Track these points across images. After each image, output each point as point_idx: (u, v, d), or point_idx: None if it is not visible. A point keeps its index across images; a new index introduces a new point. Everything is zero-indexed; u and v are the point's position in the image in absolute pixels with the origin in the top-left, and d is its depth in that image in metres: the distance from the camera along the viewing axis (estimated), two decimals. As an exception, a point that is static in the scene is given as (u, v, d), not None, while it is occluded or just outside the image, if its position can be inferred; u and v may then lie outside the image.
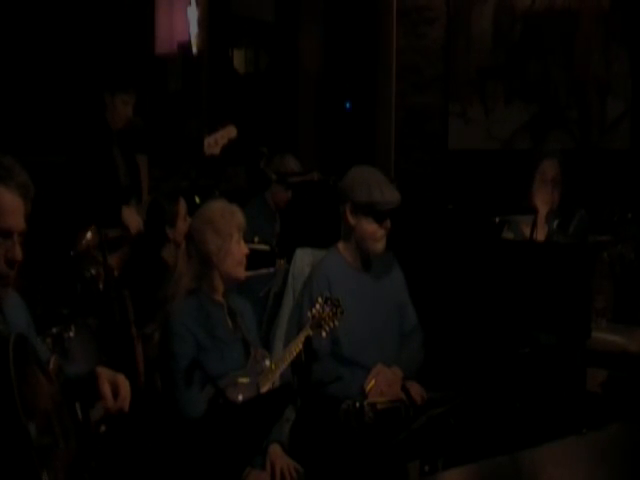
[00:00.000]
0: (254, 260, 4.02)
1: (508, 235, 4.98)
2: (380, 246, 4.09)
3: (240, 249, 3.75)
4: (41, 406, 2.49)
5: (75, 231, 5.23)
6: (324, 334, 3.79)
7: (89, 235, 5.08)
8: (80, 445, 2.61)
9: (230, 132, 5.35)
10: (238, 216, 3.77)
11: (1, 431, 2.33)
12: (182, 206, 5.03)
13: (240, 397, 3.55)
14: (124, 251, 5.15)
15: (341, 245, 4.20)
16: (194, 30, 9.32)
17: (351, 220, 4.08)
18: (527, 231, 4.87)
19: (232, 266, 3.73)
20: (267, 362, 3.78)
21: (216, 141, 5.30)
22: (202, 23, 9.25)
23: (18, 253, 2.56)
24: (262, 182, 6.29)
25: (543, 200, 4.94)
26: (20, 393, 2.37)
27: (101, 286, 4.76)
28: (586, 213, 5.21)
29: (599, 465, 2.33)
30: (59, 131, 8.95)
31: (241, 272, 3.78)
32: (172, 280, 3.76)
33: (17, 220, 2.56)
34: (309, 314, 3.80)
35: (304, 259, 4.51)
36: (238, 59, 9.23)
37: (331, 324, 3.78)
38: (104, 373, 2.75)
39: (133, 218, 5.29)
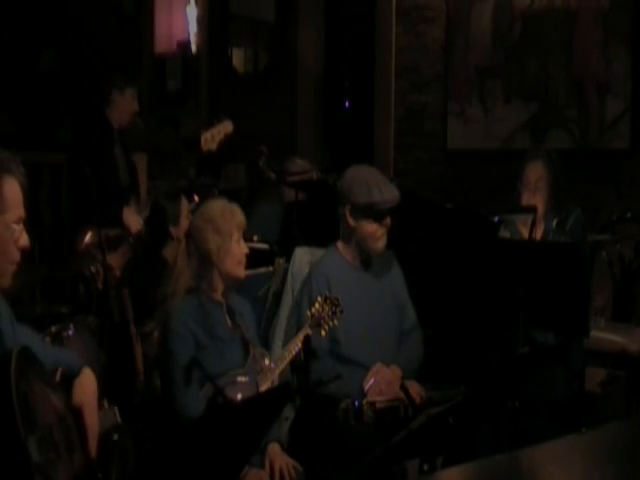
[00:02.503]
0: (253, 259, 4.03)
1: (505, 234, 4.97)
2: (381, 244, 4.09)
3: (240, 248, 3.75)
4: (44, 419, 2.50)
5: (76, 230, 5.24)
6: (323, 333, 3.79)
7: (89, 234, 5.08)
8: (86, 455, 2.63)
9: (226, 127, 5.35)
10: (238, 215, 3.77)
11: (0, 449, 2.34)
12: (184, 204, 5.04)
13: (239, 396, 3.56)
14: (125, 250, 5.16)
15: (340, 244, 4.20)
16: (193, 29, 9.33)
17: (351, 221, 4.08)
18: (524, 230, 4.87)
19: (232, 265, 3.73)
20: (266, 361, 3.78)
21: (212, 136, 5.30)
22: (201, 22, 9.26)
23: (27, 240, 2.66)
24: (261, 181, 6.28)
25: (526, 203, 4.93)
26: (21, 407, 2.38)
27: (100, 285, 4.76)
28: (582, 212, 5.20)
29: (598, 464, 2.33)
30: (59, 130, 8.97)
31: (241, 271, 3.78)
32: (172, 278, 3.77)
33: (22, 209, 2.66)
34: (308, 313, 3.80)
35: (303, 258, 4.51)
36: (237, 58, 9.23)
37: (330, 323, 3.78)
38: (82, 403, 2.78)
39: (133, 218, 5.30)
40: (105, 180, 5.42)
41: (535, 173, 4.97)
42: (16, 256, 2.65)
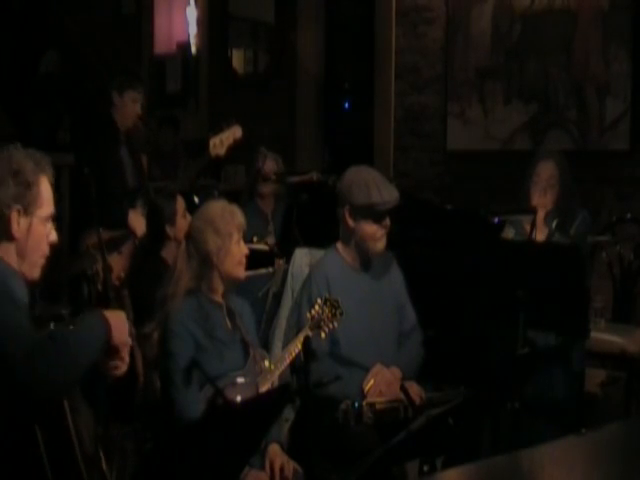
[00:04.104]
0: (253, 260, 4.03)
1: (509, 233, 4.98)
2: (380, 245, 4.09)
3: (240, 249, 3.75)
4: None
5: (76, 231, 5.24)
6: (323, 335, 3.79)
7: (90, 235, 5.08)
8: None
9: (235, 132, 5.37)
10: (238, 216, 3.77)
11: None
12: (180, 204, 5.03)
13: (238, 397, 3.56)
14: (130, 252, 5.15)
15: (340, 245, 4.20)
16: (193, 30, 9.33)
17: (350, 223, 4.08)
18: (529, 229, 4.87)
19: (232, 266, 3.73)
20: (266, 362, 3.78)
21: (221, 141, 5.31)
22: (201, 23, 9.25)
23: (56, 235, 2.87)
24: (261, 182, 6.29)
25: (537, 202, 4.95)
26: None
27: (100, 286, 4.76)
28: (589, 214, 5.19)
29: (598, 465, 2.33)
30: (59, 131, 8.97)
31: (241, 272, 3.78)
32: (172, 280, 3.76)
33: (53, 206, 2.86)
34: (308, 315, 3.80)
35: (303, 259, 4.52)
36: (237, 59, 9.23)
37: (330, 325, 3.78)
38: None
39: (139, 221, 5.30)
40: (110, 182, 5.41)
41: (547, 171, 4.98)
42: (46, 250, 2.85)
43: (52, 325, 4.09)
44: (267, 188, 6.24)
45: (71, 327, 2.74)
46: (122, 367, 2.83)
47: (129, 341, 2.84)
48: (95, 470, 2.67)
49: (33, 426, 2.54)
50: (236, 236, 3.74)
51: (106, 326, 2.74)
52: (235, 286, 3.87)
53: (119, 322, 2.81)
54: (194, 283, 3.74)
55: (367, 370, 4.02)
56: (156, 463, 2.60)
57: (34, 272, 2.83)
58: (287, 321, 4.34)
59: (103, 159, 5.49)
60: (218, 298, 3.78)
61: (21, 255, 2.77)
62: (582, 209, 5.15)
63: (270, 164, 6.16)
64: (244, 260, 3.78)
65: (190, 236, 3.79)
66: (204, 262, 3.72)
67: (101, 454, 2.77)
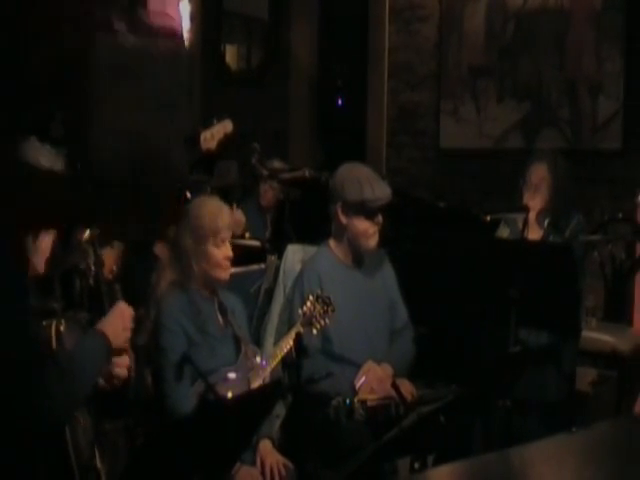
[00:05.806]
0: (245, 256, 4.01)
1: (504, 231, 4.98)
2: (373, 242, 4.09)
3: (220, 251, 3.69)
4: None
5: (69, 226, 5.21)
6: (315, 331, 3.79)
7: (82, 230, 5.06)
8: None
9: (226, 126, 5.35)
10: (224, 216, 3.72)
11: None
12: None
13: (230, 393, 3.55)
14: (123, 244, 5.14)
15: (332, 242, 4.20)
16: (186, 25, 9.31)
17: (343, 219, 4.08)
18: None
19: (209, 268, 3.69)
20: (258, 358, 3.78)
21: (212, 135, 5.30)
22: (194, 19, 9.24)
23: None
24: (253, 178, 6.28)
25: (527, 203, 4.95)
26: None
27: (92, 281, 4.75)
28: (584, 217, 5.19)
29: (588, 463, 2.34)
30: (52, 124, 8.94)
31: (220, 274, 3.72)
32: (157, 270, 3.76)
33: None
34: (300, 311, 3.80)
35: (295, 255, 4.51)
36: (230, 55, 9.21)
37: (322, 322, 3.78)
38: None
39: None
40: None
41: (537, 174, 4.98)
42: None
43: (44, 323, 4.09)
44: (269, 192, 6.24)
45: (72, 351, 2.69)
46: (122, 375, 2.81)
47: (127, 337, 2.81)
48: (90, 472, 2.66)
49: (32, 452, 2.52)
50: (219, 237, 3.69)
51: (108, 346, 2.74)
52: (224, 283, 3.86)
53: (115, 327, 2.79)
54: (178, 277, 3.72)
55: (359, 367, 4.02)
56: (147, 458, 2.59)
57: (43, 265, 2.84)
58: (279, 317, 4.34)
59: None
60: (209, 294, 3.77)
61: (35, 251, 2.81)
62: (577, 211, 5.15)
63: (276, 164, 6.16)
64: (225, 262, 3.71)
65: (175, 232, 3.78)
66: (184, 260, 3.71)
67: (96, 452, 2.76)
